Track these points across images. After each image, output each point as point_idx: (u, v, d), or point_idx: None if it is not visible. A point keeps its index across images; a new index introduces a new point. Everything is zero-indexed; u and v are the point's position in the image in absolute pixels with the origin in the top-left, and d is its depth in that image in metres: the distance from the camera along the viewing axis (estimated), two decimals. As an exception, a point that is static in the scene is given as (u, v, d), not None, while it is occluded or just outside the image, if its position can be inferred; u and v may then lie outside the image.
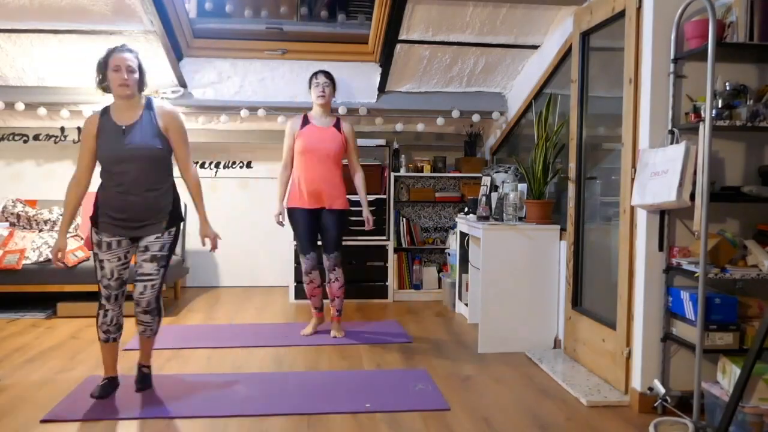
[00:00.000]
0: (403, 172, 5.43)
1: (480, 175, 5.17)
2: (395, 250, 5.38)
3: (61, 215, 5.09)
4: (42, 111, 5.02)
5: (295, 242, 4.66)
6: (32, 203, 5.19)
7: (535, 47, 4.62)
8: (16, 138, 5.49)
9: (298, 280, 5.14)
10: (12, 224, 5.00)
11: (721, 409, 2.52)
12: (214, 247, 3.16)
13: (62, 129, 5.45)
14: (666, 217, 2.84)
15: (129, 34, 4.39)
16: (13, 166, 5.58)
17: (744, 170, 2.92)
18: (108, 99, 3.02)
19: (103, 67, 2.91)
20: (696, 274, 2.58)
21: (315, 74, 4.10)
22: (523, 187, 4.08)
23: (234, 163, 5.82)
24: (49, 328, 4.32)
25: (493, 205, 4.37)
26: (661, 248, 2.86)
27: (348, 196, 4.12)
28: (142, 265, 2.97)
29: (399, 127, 5.38)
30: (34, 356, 3.67)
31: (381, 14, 4.36)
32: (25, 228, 5.00)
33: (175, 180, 3.08)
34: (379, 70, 4.93)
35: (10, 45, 4.55)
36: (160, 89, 4.93)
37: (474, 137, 5.57)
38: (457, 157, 5.71)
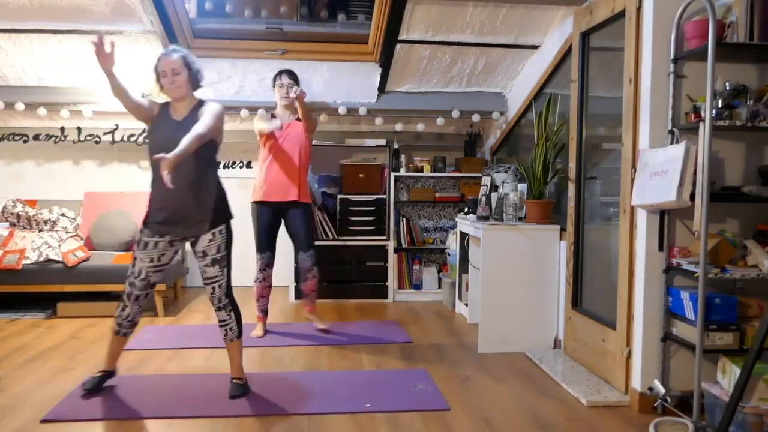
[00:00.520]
0: (403, 172, 5.43)
1: (480, 175, 5.17)
2: (395, 250, 5.38)
3: (61, 215, 5.09)
4: (42, 111, 5.03)
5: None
6: (32, 203, 5.19)
7: (535, 47, 4.62)
8: (16, 138, 5.49)
9: (299, 280, 5.14)
10: (12, 224, 5.00)
11: (721, 409, 2.52)
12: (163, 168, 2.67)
13: (62, 129, 5.45)
14: (666, 217, 2.84)
15: (129, 34, 4.39)
16: (13, 166, 5.58)
17: (744, 170, 2.92)
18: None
19: (156, 74, 2.97)
20: (696, 274, 2.58)
21: (279, 74, 4.14)
22: (523, 187, 4.08)
23: (234, 163, 5.82)
24: (49, 328, 4.32)
25: (493, 205, 4.37)
26: (661, 248, 2.86)
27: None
28: (205, 270, 3.01)
29: (399, 127, 5.38)
30: (34, 356, 3.67)
31: (381, 14, 4.36)
32: (25, 228, 5.00)
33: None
34: (379, 70, 4.93)
35: (10, 45, 4.55)
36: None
37: (474, 137, 5.57)
38: (457, 157, 5.71)
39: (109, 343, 3.11)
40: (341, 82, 5.06)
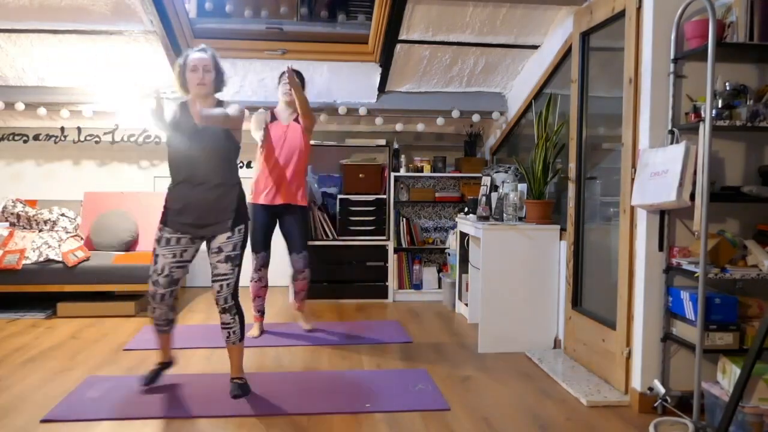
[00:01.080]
0: (403, 172, 5.43)
1: (480, 175, 5.17)
2: (395, 250, 5.38)
3: (61, 215, 5.09)
4: (42, 111, 5.03)
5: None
6: (32, 203, 5.19)
7: (535, 47, 4.62)
8: (16, 138, 5.49)
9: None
10: (12, 224, 5.00)
11: (721, 409, 2.52)
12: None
13: (62, 129, 5.45)
14: (666, 217, 2.84)
15: (129, 34, 4.39)
16: (13, 166, 5.57)
17: (744, 170, 2.92)
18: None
19: (182, 67, 2.99)
20: (696, 274, 2.58)
21: (284, 73, 4.12)
22: (523, 187, 4.08)
23: (234, 163, 5.82)
24: (49, 328, 4.32)
25: (493, 205, 4.37)
26: (661, 248, 2.86)
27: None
28: (217, 266, 3.01)
29: (399, 127, 5.38)
30: (34, 356, 3.67)
31: (381, 14, 4.36)
32: (25, 228, 5.00)
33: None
34: (379, 70, 4.93)
35: (10, 45, 4.55)
36: (161, 89, 4.93)
37: (474, 137, 5.57)
38: (457, 157, 5.71)
39: (156, 338, 3.16)
40: (341, 82, 5.06)
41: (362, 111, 5.16)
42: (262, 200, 4.07)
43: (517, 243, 3.85)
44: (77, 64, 4.72)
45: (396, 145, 5.45)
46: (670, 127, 2.80)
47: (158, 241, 2.99)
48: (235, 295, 3.05)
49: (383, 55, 4.72)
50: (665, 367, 2.89)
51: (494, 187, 4.52)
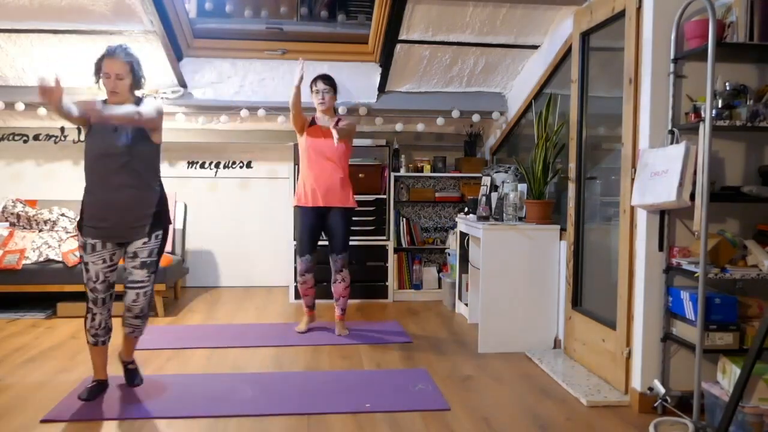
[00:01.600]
0: (403, 172, 5.43)
1: (480, 175, 5.17)
2: (395, 250, 5.38)
3: (61, 215, 5.09)
4: (42, 111, 5.02)
5: (295, 242, 4.65)
6: (32, 203, 5.19)
7: (535, 47, 4.62)
8: (16, 138, 5.50)
9: (296, 280, 5.14)
10: (12, 224, 5.00)
11: (721, 409, 2.52)
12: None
13: (62, 129, 5.45)
14: (666, 217, 2.84)
15: (129, 34, 4.39)
16: (13, 166, 5.58)
17: (744, 170, 2.92)
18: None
19: (98, 68, 2.91)
20: (696, 274, 2.58)
21: (314, 80, 4.16)
22: (523, 187, 4.08)
23: (234, 163, 5.83)
24: (49, 328, 4.32)
25: (493, 205, 4.37)
26: (661, 248, 2.86)
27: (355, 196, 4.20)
28: (132, 272, 2.92)
29: (399, 127, 5.38)
30: (34, 356, 3.67)
31: (381, 14, 4.36)
32: (25, 228, 5.00)
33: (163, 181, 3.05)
34: (379, 70, 4.93)
35: (10, 45, 4.55)
36: (160, 89, 4.93)
37: (474, 137, 5.57)
38: (457, 157, 5.71)
39: (91, 355, 3.02)
40: (341, 82, 5.04)
41: (362, 111, 5.16)
42: (304, 203, 4.09)
43: (517, 243, 3.85)
44: (77, 64, 4.71)
45: (396, 145, 5.46)
46: (670, 127, 2.80)
47: (83, 248, 2.88)
48: (150, 303, 2.99)
49: (383, 55, 4.72)
50: (665, 367, 2.89)
51: (494, 187, 4.52)
